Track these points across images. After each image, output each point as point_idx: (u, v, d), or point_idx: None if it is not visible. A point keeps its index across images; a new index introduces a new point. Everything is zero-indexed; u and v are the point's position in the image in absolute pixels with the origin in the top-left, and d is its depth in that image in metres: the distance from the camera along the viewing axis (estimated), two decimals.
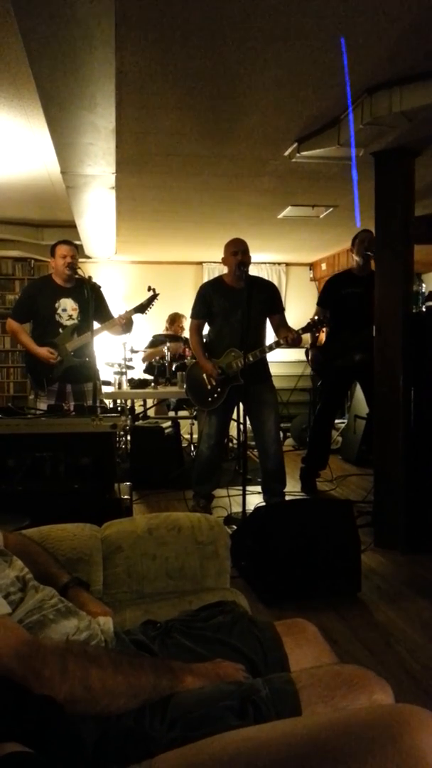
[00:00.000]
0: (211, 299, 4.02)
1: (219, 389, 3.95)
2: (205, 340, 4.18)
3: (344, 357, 4.44)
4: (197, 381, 4.08)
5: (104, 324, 4.05)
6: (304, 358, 5.05)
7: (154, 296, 4.24)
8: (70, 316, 4.04)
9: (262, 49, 2.59)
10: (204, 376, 4.02)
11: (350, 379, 4.83)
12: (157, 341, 6.22)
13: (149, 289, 4.27)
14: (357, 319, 4.27)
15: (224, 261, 3.99)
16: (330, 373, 4.65)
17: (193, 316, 4.15)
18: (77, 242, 6.38)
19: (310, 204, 5.18)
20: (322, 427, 4.82)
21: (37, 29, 2.16)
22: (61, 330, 4.02)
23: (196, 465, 4.26)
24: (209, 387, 3.99)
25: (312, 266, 8.57)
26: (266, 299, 3.99)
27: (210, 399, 4.01)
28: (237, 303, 3.82)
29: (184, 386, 4.38)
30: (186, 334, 6.34)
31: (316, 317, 3.95)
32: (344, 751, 0.82)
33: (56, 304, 4.03)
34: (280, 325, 4.03)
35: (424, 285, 3.57)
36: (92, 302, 3.73)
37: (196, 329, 4.13)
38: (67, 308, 4.04)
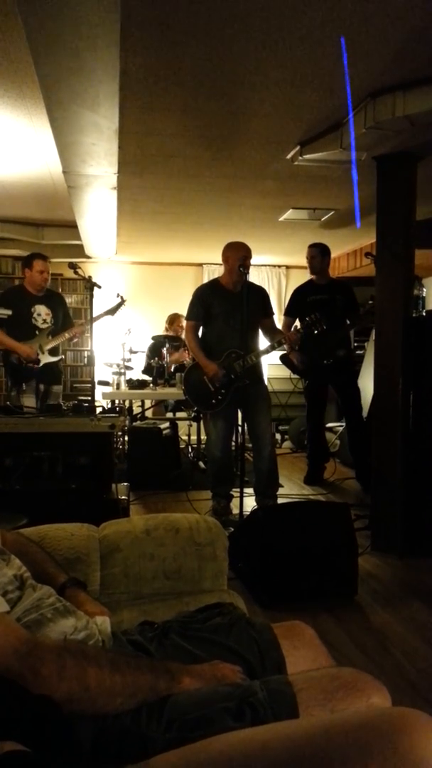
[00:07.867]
0: (210, 302, 4.01)
1: (223, 391, 3.94)
2: None
3: (329, 355, 4.72)
4: (198, 383, 4.01)
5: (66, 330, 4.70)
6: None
7: (122, 303, 4.84)
8: (44, 320, 4.62)
9: (265, 52, 2.60)
10: (205, 378, 3.96)
11: (329, 377, 4.94)
12: (156, 342, 6.22)
13: (117, 295, 4.91)
14: (330, 320, 4.39)
15: (227, 261, 3.97)
16: (315, 372, 4.87)
17: (189, 318, 4.10)
18: (77, 242, 6.44)
19: (311, 207, 5.19)
20: (317, 424, 5.13)
21: (42, 29, 2.16)
22: (37, 332, 4.57)
23: (210, 469, 4.26)
24: (213, 389, 3.97)
25: None
26: (259, 303, 4.05)
27: (214, 401, 3.98)
28: (236, 305, 3.82)
29: (183, 389, 4.37)
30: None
31: (309, 318, 4.04)
32: (342, 754, 0.82)
33: (32, 309, 4.60)
34: (272, 329, 4.15)
35: (424, 289, 3.57)
36: (63, 309, 4.71)
37: (193, 330, 4.09)
38: (42, 313, 4.63)
